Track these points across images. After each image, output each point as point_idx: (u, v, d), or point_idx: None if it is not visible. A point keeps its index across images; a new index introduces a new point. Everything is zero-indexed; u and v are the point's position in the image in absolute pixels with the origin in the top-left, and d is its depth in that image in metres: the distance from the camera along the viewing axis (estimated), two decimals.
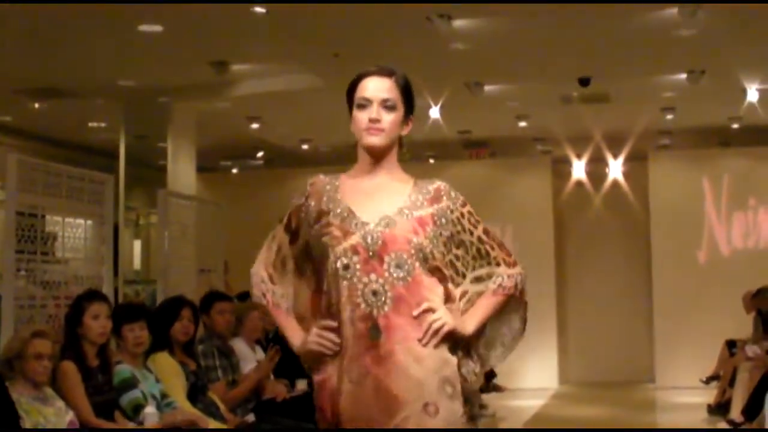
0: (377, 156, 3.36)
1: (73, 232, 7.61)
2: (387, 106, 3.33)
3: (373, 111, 3.31)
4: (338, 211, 3.30)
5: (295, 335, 3.40)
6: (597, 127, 13.68)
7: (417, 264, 3.24)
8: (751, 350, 10.41)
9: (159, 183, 11.45)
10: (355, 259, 3.21)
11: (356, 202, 3.32)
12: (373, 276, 3.19)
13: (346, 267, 3.21)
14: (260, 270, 3.49)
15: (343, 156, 15.91)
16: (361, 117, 3.32)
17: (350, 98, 3.38)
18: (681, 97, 11.98)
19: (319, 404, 3.29)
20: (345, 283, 3.20)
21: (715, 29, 9.17)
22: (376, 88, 3.34)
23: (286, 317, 3.45)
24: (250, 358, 7.39)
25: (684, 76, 10.86)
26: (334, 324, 3.22)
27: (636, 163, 14.83)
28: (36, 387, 5.17)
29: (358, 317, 3.18)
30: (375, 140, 3.32)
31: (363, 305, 3.18)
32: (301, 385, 7.68)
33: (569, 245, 15.24)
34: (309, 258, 3.40)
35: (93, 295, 5.92)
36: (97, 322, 5.68)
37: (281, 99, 11.83)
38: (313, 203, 3.36)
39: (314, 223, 3.33)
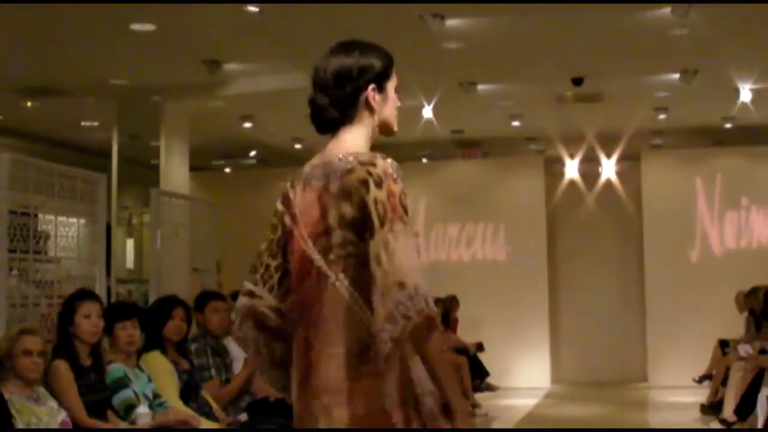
0: None
1: (65, 231, 7.60)
2: None
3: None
4: None
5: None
6: (590, 126, 13.70)
7: None
8: (744, 350, 10.41)
9: (152, 182, 11.42)
10: None
11: None
12: None
13: None
14: (424, 280, 2.73)
15: None
16: (396, 103, 3.11)
17: (386, 76, 3.09)
18: (674, 96, 11.99)
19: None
20: None
21: (707, 29, 9.18)
22: None
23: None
24: (242, 357, 7.38)
25: (677, 75, 10.86)
26: None
27: (629, 162, 14.86)
28: (28, 385, 5.16)
29: None
30: None
31: None
32: None
33: (562, 245, 15.25)
34: None
35: (84, 295, 5.92)
36: (88, 321, 5.67)
37: (274, 98, 11.82)
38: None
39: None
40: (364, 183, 2.82)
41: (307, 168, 3.04)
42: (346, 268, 2.83)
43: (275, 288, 3.06)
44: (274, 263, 3.06)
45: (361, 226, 2.81)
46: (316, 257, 2.88)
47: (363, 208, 2.80)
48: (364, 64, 3.02)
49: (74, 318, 5.65)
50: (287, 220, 3.01)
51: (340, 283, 2.84)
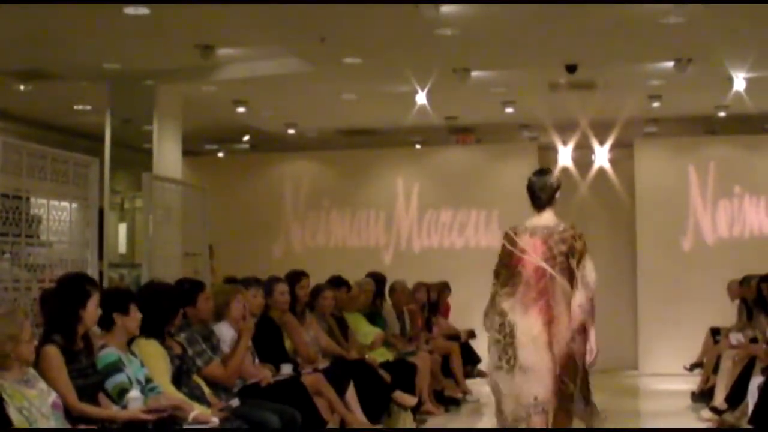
0: None
1: (57, 215, 7.59)
2: None
3: None
4: None
5: None
6: (583, 114, 13.68)
7: None
8: (735, 338, 10.45)
9: (144, 166, 11.39)
10: None
11: None
12: None
13: None
14: (594, 281, 6.16)
15: (328, 141, 15.91)
16: None
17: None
18: (668, 84, 11.99)
19: None
20: None
21: (702, 18, 9.18)
22: None
23: None
24: (230, 338, 7.33)
25: (671, 64, 10.86)
26: None
27: (622, 150, 14.86)
28: (23, 367, 5.12)
29: None
30: None
31: None
32: (286, 369, 7.67)
33: None
34: None
35: (93, 282, 5.86)
36: (97, 311, 5.67)
37: (267, 83, 11.81)
38: None
39: None
40: (573, 237, 6.06)
41: (529, 226, 6.13)
42: (563, 275, 5.98)
43: (508, 284, 6.09)
44: (507, 272, 6.09)
45: (569, 256, 6.00)
46: (549, 269, 5.98)
47: (572, 248, 6.02)
48: (559, 181, 6.27)
49: (87, 303, 5.59)
50: (517, 251, 6.05)
51: (564, 282, 5.98)
